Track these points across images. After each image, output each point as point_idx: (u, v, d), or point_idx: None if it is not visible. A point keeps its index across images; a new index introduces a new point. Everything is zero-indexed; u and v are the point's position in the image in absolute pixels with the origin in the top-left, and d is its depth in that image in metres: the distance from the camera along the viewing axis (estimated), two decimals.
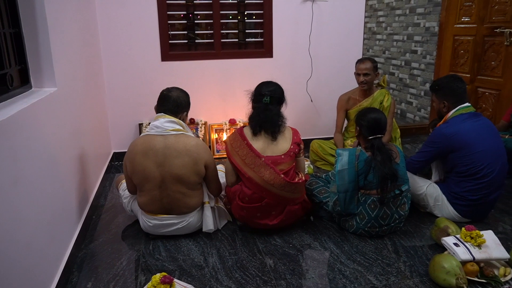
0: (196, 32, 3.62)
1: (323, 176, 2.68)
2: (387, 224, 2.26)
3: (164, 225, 2.26)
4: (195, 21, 3.59)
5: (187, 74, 3.60)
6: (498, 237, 2.08)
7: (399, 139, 3.39)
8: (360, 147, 2.32)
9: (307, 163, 3.38)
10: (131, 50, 3.45)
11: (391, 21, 5.55)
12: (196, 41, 3.62)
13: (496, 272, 1.91)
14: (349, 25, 3.79)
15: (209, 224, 2.29)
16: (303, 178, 2.33)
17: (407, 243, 2.26)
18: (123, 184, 2.48)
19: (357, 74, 3.16)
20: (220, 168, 2.66)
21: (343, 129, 3.47)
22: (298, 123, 3.78)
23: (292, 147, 2.27)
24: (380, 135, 2.27)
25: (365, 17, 6.14)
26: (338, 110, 3.37)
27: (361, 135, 2.34)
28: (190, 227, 2.30)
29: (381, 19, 5.80)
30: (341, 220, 2.38)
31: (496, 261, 1.97)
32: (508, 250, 2.00)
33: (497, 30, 3.54)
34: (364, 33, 6.23)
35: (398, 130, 3.40)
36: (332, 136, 3.47)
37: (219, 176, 2.45)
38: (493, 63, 3.66)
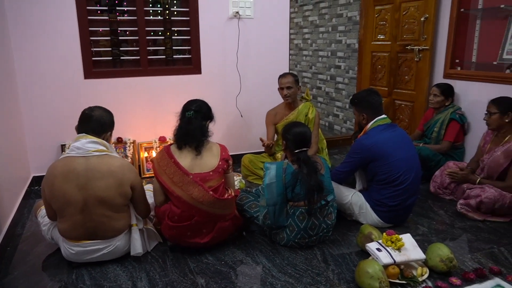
0: (121, 48, 3.53)
1: (254, 190, 2.71)
2: (316, 234, 2.33)
3: (89, 252, 2.14)
4: (120, 38, 3.50)
5: (113, 91, 3.48)
6: (417, 239, 2.23)
7: (326, 149, 3.53)
8: (287, 160, 2.38)
9: (238, 178, 3.40)
10: (50, 68, 3.27)
11: (316, 38, 5.82)
12: (122, 58, 3.53)
13: (414, 272, 2.04)
14: (275, 42, 3.91)
15: (137, 247, 2.20)
16: (233, 194, 2.34)
17: (336, 251, 2.35)
18: (42, 211, 2.32)
19: (280, 89, 3.28)
20: (149, 187, 2.59)
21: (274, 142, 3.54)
22: (229, 139, 3.81)
23: (220, 163, 2.28)
24: (305, 148, 2.35)
25: (292, 34, 6.41)
26: (267, 125, 3.45)
27: (287, 149, 2.41)
28: (117, 251, 2.20)
29: (306, 36, 6.07)
30: (272, 233, 2.41)
31: (415, 262, 2.10)
32: (424, 251, 2.14)
33: (408, 47, 3.85)
34: (291, 49, 6.49)
35: (325, 141, 3.55)
36: (263, 150, 3.53)
37: (148, 196, 2.38)
38: (406, 77, 3.96)
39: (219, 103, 3.72)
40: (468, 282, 2.01)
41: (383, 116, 2.64)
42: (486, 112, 2.89)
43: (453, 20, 3.51)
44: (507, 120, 2.79)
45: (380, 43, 4.25)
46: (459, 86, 3.54)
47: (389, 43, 4.12)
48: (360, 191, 2.70)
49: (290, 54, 6.50)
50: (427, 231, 2.59)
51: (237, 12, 3.67)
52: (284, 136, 2.41)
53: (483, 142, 3.03)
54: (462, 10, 3.50)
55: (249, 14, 3.74)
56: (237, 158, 3.61)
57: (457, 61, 3.61)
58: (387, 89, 4.21)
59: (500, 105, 2.80)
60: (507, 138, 2.81)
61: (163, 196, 2.27)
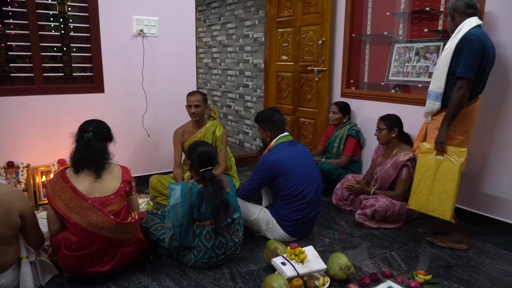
0: (12, 64, 3.25)
1: (160, 212, 2.64)
2: (223, 253, 2.33)
3: None
4: (10, 53, 3.22)
5: (3, 111, 3.17)
6: (320, 250, 2.34)
7: (235, 167, 3.58)
8: (192, 180, 2.37)
9: (146, 200, 3.29)
10: None
11: (224, 57, 5.93)
12: (12, 74, 3.24)
13: (316, 282, 2.13)
14: (182, 60, 3.90)
15: (28, 282, 2.00)
16: (137, 217, 2.25)
17: (244, 268, 2.36)
18: None
19: (188, 106, 3.28)
20: (43, 215, 2.38)
21: (182, 161, 3.50)
22: (136, 160, 3.67)
23: (122, 186, 2.18)
24: (210, 167, 2.36)
25: (201, 53, 6.46)
26: (174, 144, 3.40)
27: (192, 168, 2.40)
28: None
29: (215, 55, 6.16)
30: (179, 255, 2.36)
31: (317, 272, 2.20)
32: (326, 261, 2.25)
33: (309, 68, 4.10)
34: (201, 68, 6.53)
35: (233, 158, 3.59)
36: (172, 170, 3.46)
37: (43, 225, 2.19)
38: (308, 96, 4.20)
39: (124, 123, 3.60)
40: (364, 287, 2.15)
41: (286, 133, 2.76)
42: (376, 128, 3.17)
43: (346, 44, 3.83)
44: (394, 135, 3.09)
45: (283, 63, 4.47)
46: (354, 104, 3.84)
47: (292, 63, 4.35)
48: (266, 207, 2.78)
49: (200, 73, 6.55)
50: (330, 241, 2.74)
51: (141, 30, 3.60)
52: (189, 156, 2.40)
53: (375, 156, 3.31)
54: (353, 35, 3.83)
55: (154, 33, 3.70)
56: (146, 179, 3.50)
57: (352, 81, 3.93)
58: (291, 107, 4.42)
59: (387, 121, 3.10)
60: (395, 151, 3.10)
61: (58, 224, 2.11)
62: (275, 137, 2.72)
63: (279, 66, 4.54)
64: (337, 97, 3.99)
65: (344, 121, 3.74)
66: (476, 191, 2.95)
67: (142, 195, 3.39)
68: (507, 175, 2.77)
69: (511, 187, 2.76)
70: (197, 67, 6.53)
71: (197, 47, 6.44)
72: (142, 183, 3.56)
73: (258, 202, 2.86)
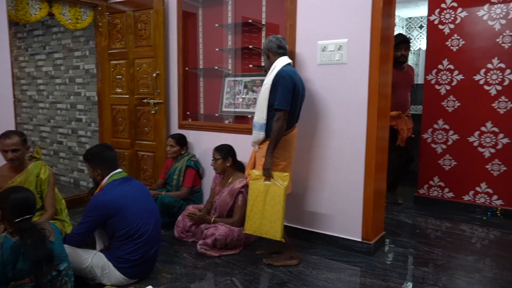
0: None
1: None
2: None
3: None
4: None
5: None
6: (154, 283, 2.26)
7: (66, 210, 3.24)
8: (4, 234, 2.05)
9: None
10: None
11: (52, 90, 5.43)
12: None
13: None
14: None
15: None
16: None
17: None
18: None
19: (4, 151, 2.83)
20: None
21: None
22: None
23: None
24: (29, 216, 2.08)
25: (24, 84, 5.78)
26: None
27: (5, 219, 2.08)
28: None
29: (41, 87, 5.59)
30: None
31: None
32: None
33: (145, 100, 4.05)
34: (25, 101, 5.83)
35: (63, 201, 3.25)
36: None
37: None
38: (146, 129, 4.12)
39: None
40: None
41: (119, 170, 2.63)
42: (212, 159, 3.29)
43: (180, 77, 3.92)
44: (228, 164, 3.24)
45: (118, 96, 4.31)
46: (192, 135, 3.92)
47: (127, 96, 4.23)
48: (101, 250, 2.58)
49: (23, 106, 5.83)
50: (172, 277, 2.68)
51: None
52: (0, 206, 2.07)
53: (213, 185, 3.41)
54: (187, 68, 3.94)
55: None
56: None
57: (188, 113, 4.02)
58: (129, 141, 4.27)
59: (221, 151, 3.24)
60: (230, 179, 3.25)
61: None
62: (107, 175, 2.58)
63: (114, 99, 4.36)
64: (175, 129, 4.02)
65: (182, 152, 3.77)
66: (302, 210, 3.28)
67: None
68: (325, 194, 3.16)
69: (328, 203, 3.15)
70: (20, 100, 5.83)
71: (17, 78, 5.78)
72: None
73: (92, 247, 2.64)
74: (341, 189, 3.07)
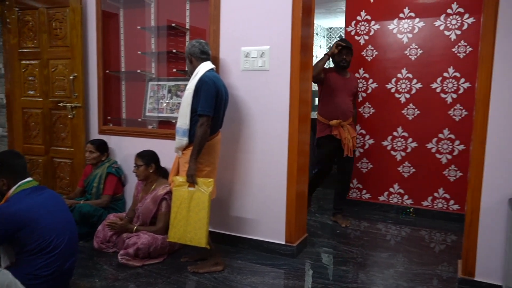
0: None
1: None
2: None
3: None
4: None
5: None
6: None
7: None
8: None
9: None
10: None
11: None
12: None
13: None
14: None
15: None
16: None
17: None
18: None
19: None
20: None
21: None
22: None
23: None
24: None
25: None
26: None
27: None
28: None
29: None
30: None
31: None
32: None
33: (61, 104, 3.80)
34: None
35: None
36: None
37: None
38: (62, 134, 3.87)
39: None
40: None
41: (28, 179, 2.43)
42: (134, 165, 3.18)
43: (100, 80, 3.73)
44: (151, 171, 3.15)
45: (31, 99, 4.01)
46: (113, 141, 3.75)
47: (41, 99, 3.94)
48: (6, 267, 2.36)
49: None
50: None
51: None
52: None
53: (136, 192, 3.30)
54: (108, 71, 3.77)
55: None
56: None
57: (109, 117, 3.84)
58: (43, 147, 3.98)
59: (144, 157, 3.14)
60: (154, 186, 3.16)
61: None
62: (14, 185, 2.37)
63: (25, 102, 4.05)
64: (94, 134, 3.82)
65: (103, 159, 3.60)
66: (227, 215, 3.28)
67: None
68: (249, 198, 3.19)
69: (253, 208, 3.19)
70: None
71: None
72: None
73: None
74: (265, 193, 3.12)
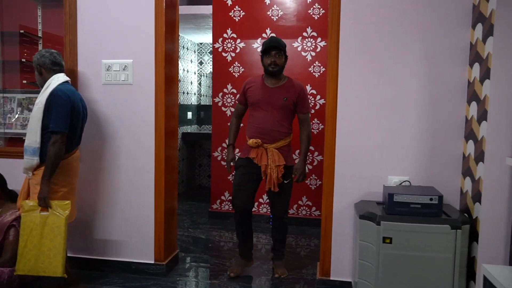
0: None
1: None
2: None
3: None
4: None
5: None
6: None
7: None
8: None
9: None
10: None
11: None
12: None
13: None
14: None
15: None
16: None
17: None
18: None
19: None
20: None
21: None
22: None
23: None
24: None
25: None
26: None
27: None
28: None
29: None
30: None
31: None
32: None
33: None
34: None
35: None
36: None
37: None
38: None
39: None
40: None
41: None
42: None
43: None
44: None
45: None
46: None
47: None
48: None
49: None
50: None
51: None
52: None
53: None
54: None
55: None
56: None
57: None
58: None
59: None
60: (0, 211, 2.78)
61: None
62: None
63: None
64: None
65: None
66: (91, 238, 3.04)
67: None
68: (115, 218, 3.01)
69: (120, 228, 3.01)
70: None
71: None
72: None
73: None
74: (132, 212, 2.98)
